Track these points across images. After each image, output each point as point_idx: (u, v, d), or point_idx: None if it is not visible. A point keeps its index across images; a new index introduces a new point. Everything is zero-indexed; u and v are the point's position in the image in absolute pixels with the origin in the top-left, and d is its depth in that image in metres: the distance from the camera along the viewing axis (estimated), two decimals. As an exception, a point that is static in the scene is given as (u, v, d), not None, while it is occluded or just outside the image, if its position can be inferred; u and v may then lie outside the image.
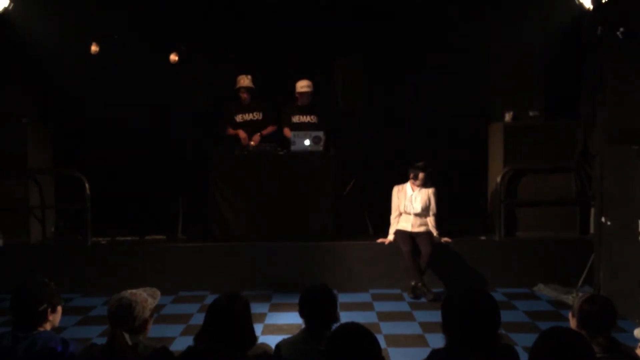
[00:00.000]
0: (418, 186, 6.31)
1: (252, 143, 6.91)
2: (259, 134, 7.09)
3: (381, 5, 7.57)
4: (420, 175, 6.22)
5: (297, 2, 7.55)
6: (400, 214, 6.40)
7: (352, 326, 2.31)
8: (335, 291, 5.83)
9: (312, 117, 7.16)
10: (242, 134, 7.07)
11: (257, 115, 7.24)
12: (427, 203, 6.32)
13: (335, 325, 2.87)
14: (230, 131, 7.19)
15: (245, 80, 7.12)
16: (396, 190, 6.43)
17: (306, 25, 7.62)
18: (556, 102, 7.09)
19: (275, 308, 5.78)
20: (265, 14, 7.65)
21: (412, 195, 6.34)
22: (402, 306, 5.90)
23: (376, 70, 7.42)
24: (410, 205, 6.31)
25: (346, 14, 7.61)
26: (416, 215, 6.30)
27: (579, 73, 6.84)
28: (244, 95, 7.15)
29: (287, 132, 7.04)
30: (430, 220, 6.38)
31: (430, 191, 6.34)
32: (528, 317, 5.49)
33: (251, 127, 7.16)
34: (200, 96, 7.11)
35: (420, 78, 7.63)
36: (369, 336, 2.26)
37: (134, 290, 2.79)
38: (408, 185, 6.38)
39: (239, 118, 7.21)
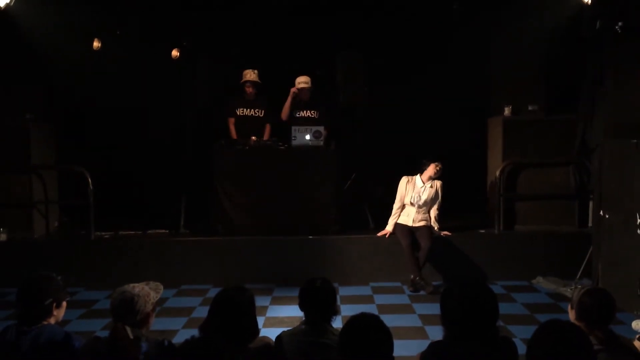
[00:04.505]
0: (430, 179, 6.32)
1: (253, 138, 6.92)
2: (254, 137, 6.95)
3: (383, 0, 7.58)
4: (436, 167, 6.27)
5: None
6: (404, 206, 6.44)
7: (369, 318, 2.33)
8: (336, 284, 5.90)
9: (312, 112, 7.16)
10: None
11: (258, 112, 7.25)
12: (434, 195, 6.37)
13: (334, 318, 2.94)
14: (231, 126, 7.21)
15: (251, 75, 7.13)
16: (405, 181, 6.43)
17: (308, 20, 7.63)
18: (556, 97, 7.11)
19: (277, 301, 5.83)
20: (267, 10, 7.66)
21: (421, 187, 6.37)
22: (402, 299, 5.95)
23: (377, 65, 7.44)
24: (417, 196, 6.33)
25: (348, 9, 7.62)
26: (420, 207, 6.33)
27: (579, 67, 6.87)
28: (250, 90, 7.14)
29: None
30: (433, 214, 6.43)
31: (438, 184, 6.39)
32: (527, 310, 5.54)
33: (251, 123, 7.18)
34: (202, 92, 7.12)
35: (421, 73, 7.65)
36: (382, 326, 2.29)
37: (136, 284, 2.82)
38: (418, 178, 6.40)
39: (239, 111, 7.22)
